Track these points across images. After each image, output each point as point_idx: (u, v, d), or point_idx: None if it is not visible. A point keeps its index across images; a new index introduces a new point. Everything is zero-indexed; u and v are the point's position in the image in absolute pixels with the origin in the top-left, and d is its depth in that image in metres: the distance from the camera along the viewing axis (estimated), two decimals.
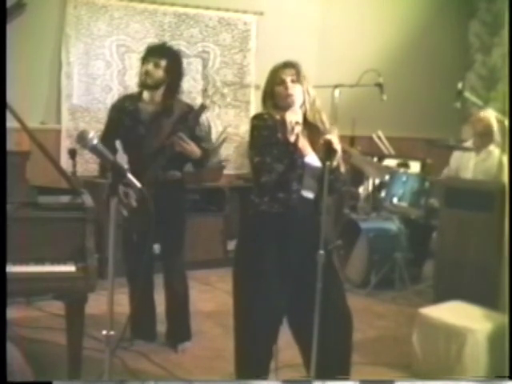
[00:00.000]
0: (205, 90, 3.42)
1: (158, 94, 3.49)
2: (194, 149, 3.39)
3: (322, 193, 2.58)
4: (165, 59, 3.45)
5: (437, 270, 4.35)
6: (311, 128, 2.69)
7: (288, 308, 2.73)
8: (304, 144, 2.65)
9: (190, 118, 3.40)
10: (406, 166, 5.20)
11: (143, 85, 3.49)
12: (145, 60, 3.49)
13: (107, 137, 3.52)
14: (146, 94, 3.52)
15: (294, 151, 2.59)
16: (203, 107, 3.43)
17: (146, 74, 3.44)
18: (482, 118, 4.61)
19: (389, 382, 3.07)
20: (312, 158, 2.66)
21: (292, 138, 2.56)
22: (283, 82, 2.65)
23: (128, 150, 3.51)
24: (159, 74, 3.44)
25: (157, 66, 3.43)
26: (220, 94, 3.42)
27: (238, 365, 2.79)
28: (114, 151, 3.52)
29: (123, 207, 3.29)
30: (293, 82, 2.66)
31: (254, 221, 2.74)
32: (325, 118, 2.72)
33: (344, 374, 2.73)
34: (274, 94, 2.68)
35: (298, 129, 2.58)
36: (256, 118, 2.75)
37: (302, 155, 2.63)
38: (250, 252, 2.71)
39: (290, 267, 2.67)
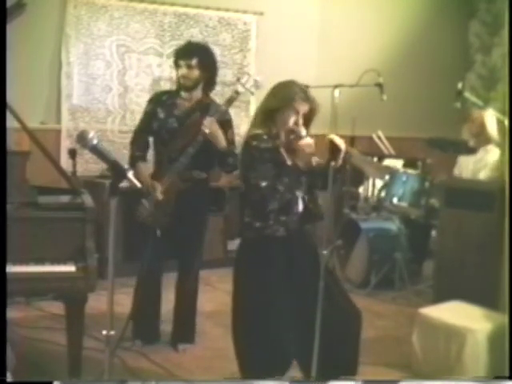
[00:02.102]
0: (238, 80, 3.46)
1: (197, 91, 3.52)
2: (221, 137, 3.36)
3: (312, 196, 2.64)
4: (195, 57, 3.45)
5: (437, 270, 4.34)
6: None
7: (295, 334, 2.69)
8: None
9: (223, 103, 3.42)
10: (412, 166, 5.20)
11: (183, 87, 3.51)
12: (176, 65, 3.51)
13: (142, 130, 3.60)
14: (184, 92, 3.54)
15: (302, 179, 2.64)
16: (237, 93, 3.39)
17: (183, 77, 3.46)
18: (475, 119, 4.62)
19: (393, 382, 3.06)
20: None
21: (305, 167, 2.58)
22: (297, 114, 2.63)
23: (158, 144, 3.56)
24: (195, 73, 3.46)
25: (190, 67, 3.44)
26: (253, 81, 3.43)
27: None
28: (147, 146, 3.62)
29: (148, 201, 3.31)
30: (304, 116, 2.65)
31: (256, 245, 2.69)
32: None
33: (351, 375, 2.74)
34: (281, 118, 2.64)
35: (314, 161, 2.58)
36: (254, 138, 2.65)
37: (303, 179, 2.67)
38: (253, 277, 2.68)
39: (296, 290, 2.65)
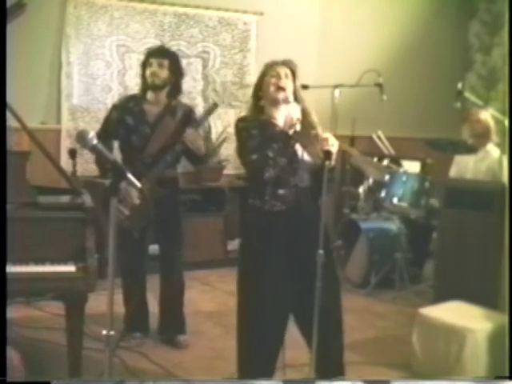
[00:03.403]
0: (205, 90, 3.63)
1: (163, 95, 3.59)
2: (202, 146, 3.52)
3: (316, 182, 2.63)
4: (167, 59, 3.56)
5: (437, 270, 4.34)
6: (302, 128, 2.69)
7: (294, 305, 2.73)
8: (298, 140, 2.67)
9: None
10: (397, 163, 5.22)
11: (151, 86, 3.57)
12: (147, 63, 3.58)
13: (104, 135, 3.57)
14: (150, 95, 3.59)
15: (293, 145, 2.64)
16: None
17: (153, 75, 3.53)
18: (481, 120, 4.59)
19: (385, 382, 3.06)
20: (303, 152, 2.68)
21: (291, 132, 2.61)
22: (277, 75, 2.69)
23: (129, 150, 3.59)
24: (165, 73, 3.54)
25: (161, 66, 3.54)
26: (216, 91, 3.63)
27: (241, 365, 2.78)
28: (110, 150, 3.61)
29: (124, 206, 3.33)
30: (286, 77, 2.70)
31: (258, 224, 2.72)
32: (315, 119, 2.74)
33: (340, 372, 2.74)
34: (266, 88, 2.70)
35: (298, 126, 2.61)
36: (240, 120, 2.78)
37: (297, 149, 2.66)
38: (256, 254, 2.70)
39: (295, 264, 2.67)
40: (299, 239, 2.68)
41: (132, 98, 3.70)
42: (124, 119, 3.57)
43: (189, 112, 3.61)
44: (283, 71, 2.70)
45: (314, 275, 2.58)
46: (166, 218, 3.54)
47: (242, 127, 2.72)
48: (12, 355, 2.30)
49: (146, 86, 3.59)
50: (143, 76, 3.59)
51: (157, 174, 3.45)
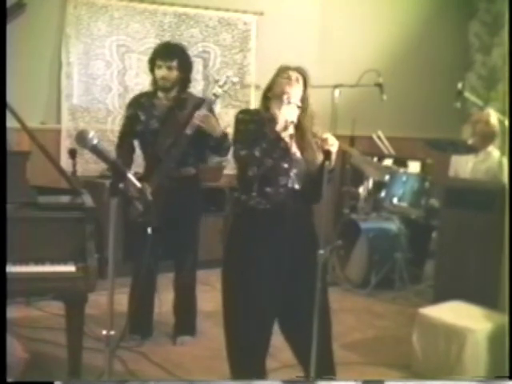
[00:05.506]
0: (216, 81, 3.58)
1: (174, 90, 3.58)
2: (216, 125, 3.45)
3: (308, 185, 2.62)
4: (175, 59, 3.52)
5: (437, 270, 4.34)
6: (301, 132, 2.69)
7: (279, 309, 2.71)
8: (292, 142, 2.64)
9: (204, 105, 3.47)
10: (403, 164, 5.23)
11: (161, 88, 3.56)
12: (155, 65, 3.55)
13: (125, 134, 3.65)
14: (160, 93, 3.59)
15: (284, 146, 2.61)
16: (215, 96, 3.49)
17: (163, 79, 3.52)
18: (489, 121, 4.57)
19: (378, 381, 3.05)
20: (298, 155, 2.65)
21: (283, 134, 2.59)
22: (289, 78, 2.69)
23: (144, 147, 3.61)
24: (174, 74, 3.53)
25: (170, 68, 3.51)
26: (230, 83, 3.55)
27: (232, 366, 2.78)
28: (132, 150, 3.68)
29: (139, 202, 3.34)
30: (297, 81, 2.70)
31: (242, 219, 2.71)
32: (317, 128, 2.72)
33: (331, 372, 2.73)
34: (275, 88, 2.69)
35: (291, 129, 2.60)
36: (242, 112, 2.79)
37: (289, 151, 2.63)
38: (239, 252, 2.69)
39: (280, 266, 2.65)
40: (283, 241, 2.64)
41: (144, 94, 3.73)
42: (137, 115, 3.58)
43: (199, 104, 3.50)
44: (295, 75, 2.71)
45: (297, 278, 2.61)
46: (182, 218, 3.55)
47: (241, 119, 2.71)
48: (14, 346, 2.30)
49: (156, 87, 3.59)
50: (152, 73, 3.57)
51: (166, 171, 3.44)
